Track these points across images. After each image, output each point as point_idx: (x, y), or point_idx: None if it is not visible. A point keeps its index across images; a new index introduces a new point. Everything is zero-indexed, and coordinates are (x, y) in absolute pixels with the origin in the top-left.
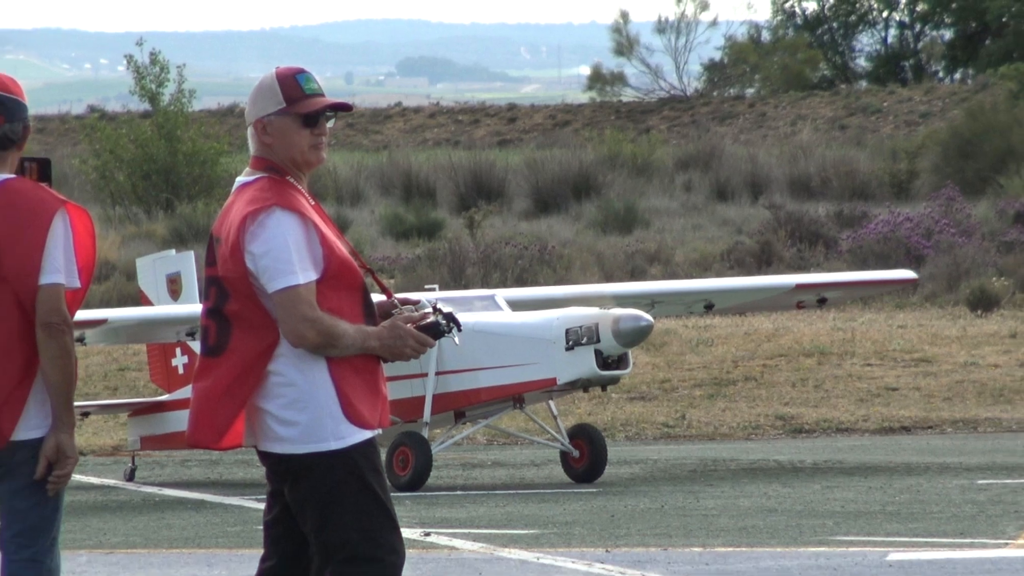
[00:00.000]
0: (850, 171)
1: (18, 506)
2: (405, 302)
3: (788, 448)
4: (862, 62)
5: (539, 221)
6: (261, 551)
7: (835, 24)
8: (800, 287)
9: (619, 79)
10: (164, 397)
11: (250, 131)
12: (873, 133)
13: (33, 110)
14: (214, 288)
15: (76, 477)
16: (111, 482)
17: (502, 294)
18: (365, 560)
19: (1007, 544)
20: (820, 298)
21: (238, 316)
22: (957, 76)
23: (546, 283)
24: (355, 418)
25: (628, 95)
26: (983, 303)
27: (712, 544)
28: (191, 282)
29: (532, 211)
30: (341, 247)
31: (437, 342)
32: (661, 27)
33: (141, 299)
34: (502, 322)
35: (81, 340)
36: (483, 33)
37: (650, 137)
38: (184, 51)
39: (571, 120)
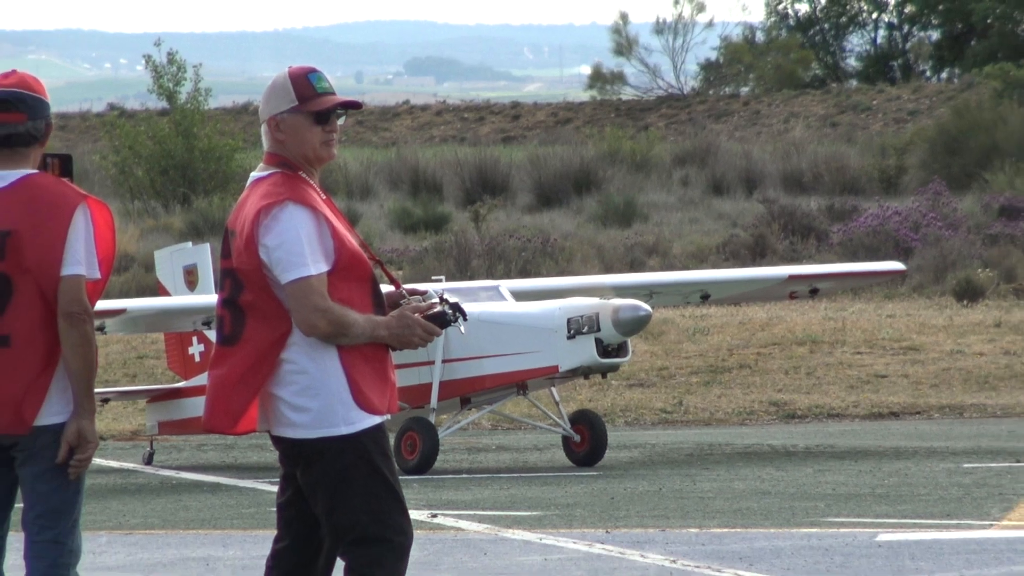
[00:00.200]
0: (841, 167)
1: (41, 489)
2: (413, 293)
3: (781, 433)
4: (852, 62)
5: (542, 215)
6: (274, 532)
7: (826, 25)
8: (793, 278)
9: (619, 78)
10: (181, 384)
11: (264, 128)
12: (863, 130)
13: (55, 108)
14: (229, 279)
15: (96, 461)
16: (130, 466)
17: (506, 285)
18: (374, 541)
19: (991, 525)
20: (812, 289)
21: (252, 306)
22: (944, 75)
23: (548, 274)
24: (365, 404)
25: (627, 94)
26: (969, 294)
27: (708, 525)
28: (207, 273)
29: (535, 205)
30: (351, 240)
31: (444, 331)
32: (659, 28)
33: (159, 290)
34: (506, 312)
35: (101, 329)
36: (488, 34)
37: (648, 134)
38: (200, 51)
39: (572, 118)
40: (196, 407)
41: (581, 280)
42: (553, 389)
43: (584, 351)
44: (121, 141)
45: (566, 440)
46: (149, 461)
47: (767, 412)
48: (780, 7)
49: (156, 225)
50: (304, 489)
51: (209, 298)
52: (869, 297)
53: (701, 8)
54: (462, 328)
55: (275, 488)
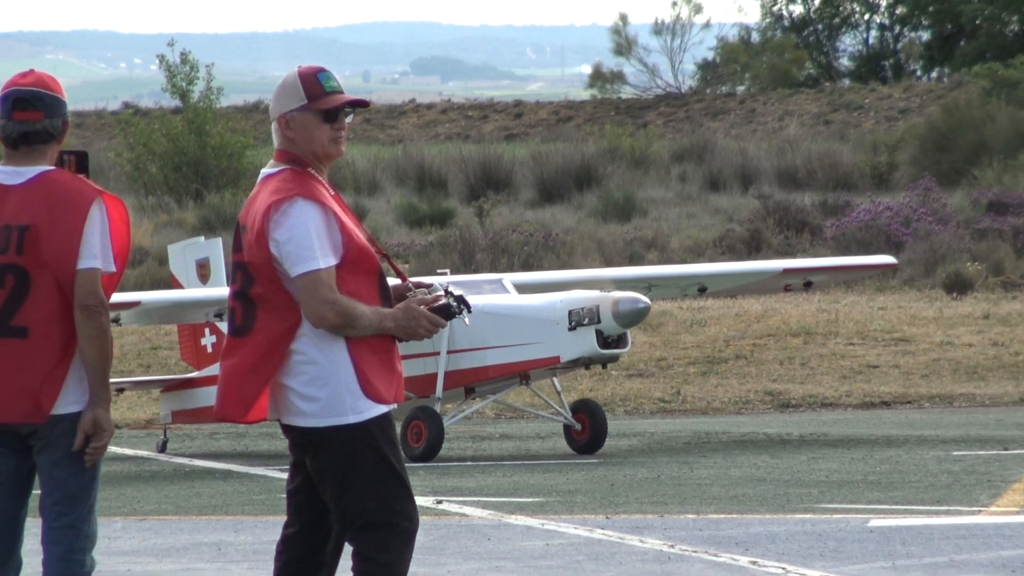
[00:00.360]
0: (834, 163)
1: (58, 476)
2: (419, 285)
3: (776, 422)
4: (845, 61)
5: (544, 210)
6: (284, 518)
7: (820, 26)
8: (787, 271)
9: (618, 77)
10: (194, 374)
11: (274, 126)
12: (855, 128)
13: (71, 107)
14: (240, 272)
15: (112, 449)
16: (144, 453)
17: (509, 278)
18: (381, 526)
19: (980, 512)
20: (806, 282)
21: (263, 299)
22: (934, 75)
23: (550, 268)
24: (372, 394)
25: (627, 92)
26: (958, 286)
27: (705, 511)
28: (219, 267)
29: (537, 201)
30: (359, 234)
31: (449, 323)
32: (658, 29)
33: (172, 283)
34: (509, 304)
35: (116, 321)
36: (491, 34)
37: (647, 132)
38: (212, 51)
39: (573, 116)
40: (208, 396)
41: (582, 273)
42: (555, 379)
43: (585, 342)
44: (136, 138)
45: (567, 428)
46: (163, 449)
47: (762, 401)
48: (775, 8)
49: (169, 220)
50: (313, 476)
51: (221, 291)
52: (861, 290)
53: (698, 9)
54: (466, 320)
55: (285, 475)
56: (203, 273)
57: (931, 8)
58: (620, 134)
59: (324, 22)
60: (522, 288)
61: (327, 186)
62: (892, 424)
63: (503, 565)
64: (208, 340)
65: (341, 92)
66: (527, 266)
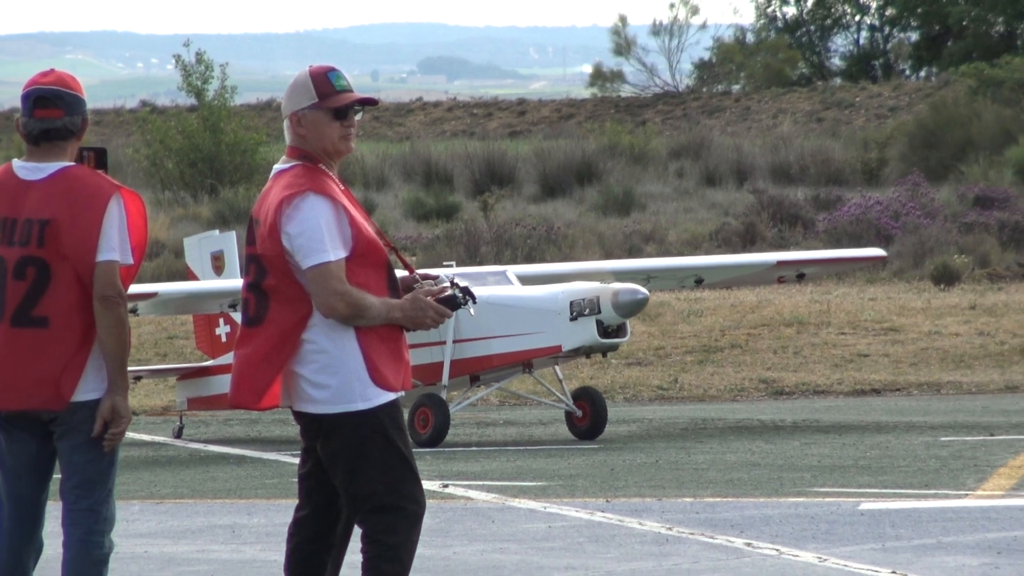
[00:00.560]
0: (826, 159)
1: (77, 461)
2: (426, 277)
3: (770, 409)
4: (836, 61)
5: (546, 204)
6: (296, 501)
7: (812, 27)
8: (781, 264)
9: (618, 77)
10: (209, 363)
11: (286, 123)
12: (846, 125)
13: (90, 105)
14: (254, 265)
15: (129, 435)
16: (161, 439)
17: (513, 270)
18: (390, 509)
19: (967, 495)
20: (799, 273)
21: (275, 290)
22: (922, 74)
23: (552, 260)
24: (381, 381)
25: (626, 91)
26: (945, 278)
27: (702, 495)
28: (233, 259)
29: (540, 195)
30: (368, 228)
31: (454, 313)
32: (656, 30)
33: (188, 274)
34: (513, 295)
35: (134, 311)
36: (496, 35)
37: (646, 129)
38: (226, 51)
39: (575, 113)
40: (223, 384)
41: (583, 265)
42: (557, 367)
43: (585, 332)
44: (152, 135)
45: (569, 415)
46: (179, 435)
47: (757, 389)
48: (769, 10)
49: (185, 214)
50: (324, 461)
51: (235, 282)
52: (852, 281)
53: (695, 11)
54: (471, 310)
55: (297, 460)
56: (218, 265)
57: (919, 10)
58: (620, 131)
59: (334, 23)
60: (525, 280)
61: (337, 181)
62: (882, 411)
63: (507, 547)
64: (222, 330)
65: (351, 91)
66: (530, 258)
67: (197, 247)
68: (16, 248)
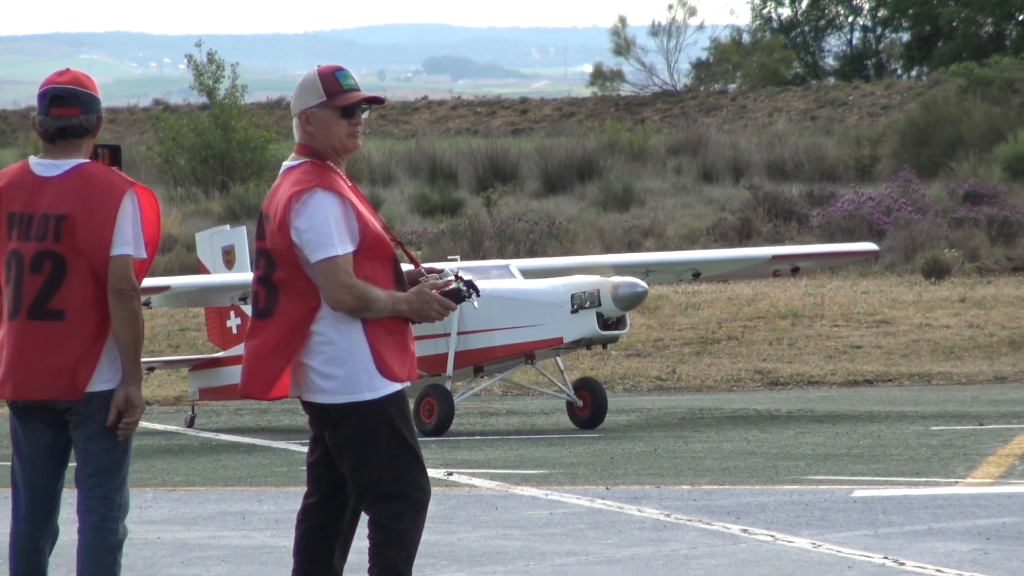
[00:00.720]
0: (820, 156)
1: (92, 449)
2: (431, 271)
3: (765, 399)
4: (830, 61)
5: (548, 200)
6: (305, 489)
7: (807, 27)
8: (776, 258)
9: (618, 76)
10: (220, 354)
11: (295, 121)
12: (840, 123)
13: (105, 103)
14: (263, 259)
15: (143, 424)
16: (173, 428)
17: (515, 264)
18: (396, 497)
19: (957, 483)
20: (794, 267)
21: (285, 283)
22: (913, 73)
23: (554, 254)
24: (387, 372)
25: (626, 90)
26: (936, 272)
27: (699, 482)
28: (243, 254)
29: (541, 191)
30: (375, 223)
31: (459, 306)
32: (655, 30)
33: (200, 268)
34: (515, 288)
35: (147, 304)
36: (499, 36)
37: (645, 127)
38: (237, 51)
39: (576, 112)
40: (233, 375)
41: (583, 259)
42: (558, 359)
43: (586, 324)
44: (165, 133)
45: (570, 405)
46: (190, 424)
47: (753, 380)
48: (764, 11)
49: (197, 210)
50: (332, 450)
51: (245, 276)
52: (845, 275)
53: (693, 12)
54: (475, 303)
55: (305, 449)
56: (228, 259)
57: (911, 11)
58: (619, 129)
59: (342, 24)
60: (527, 273)
61: (345, 178)
62: (874, 401)
63: (510, 533)
64: (233, 322)
65: (358, 89)
66: (532, 253)
67: (208, 242)
68: (33, 243)
